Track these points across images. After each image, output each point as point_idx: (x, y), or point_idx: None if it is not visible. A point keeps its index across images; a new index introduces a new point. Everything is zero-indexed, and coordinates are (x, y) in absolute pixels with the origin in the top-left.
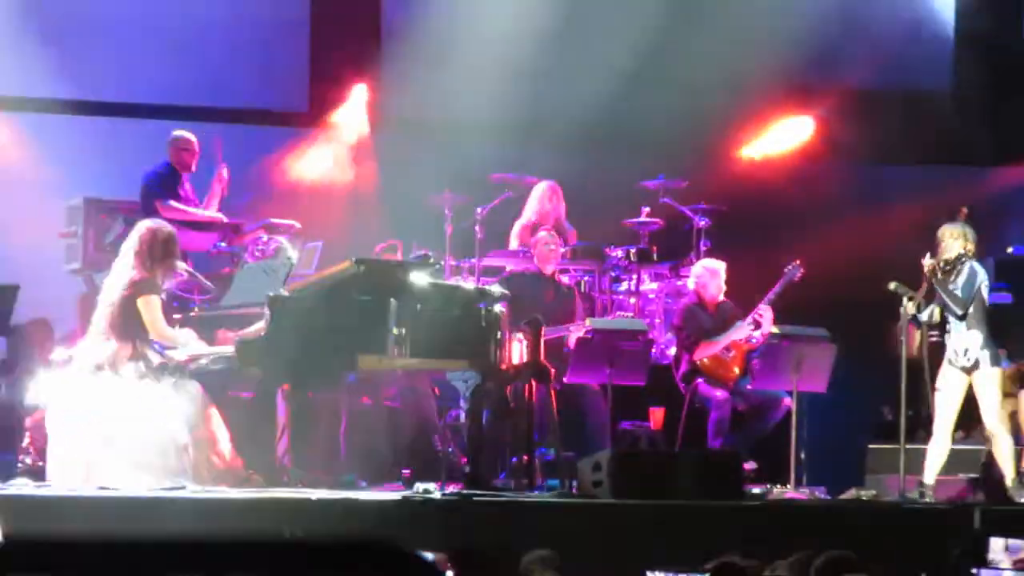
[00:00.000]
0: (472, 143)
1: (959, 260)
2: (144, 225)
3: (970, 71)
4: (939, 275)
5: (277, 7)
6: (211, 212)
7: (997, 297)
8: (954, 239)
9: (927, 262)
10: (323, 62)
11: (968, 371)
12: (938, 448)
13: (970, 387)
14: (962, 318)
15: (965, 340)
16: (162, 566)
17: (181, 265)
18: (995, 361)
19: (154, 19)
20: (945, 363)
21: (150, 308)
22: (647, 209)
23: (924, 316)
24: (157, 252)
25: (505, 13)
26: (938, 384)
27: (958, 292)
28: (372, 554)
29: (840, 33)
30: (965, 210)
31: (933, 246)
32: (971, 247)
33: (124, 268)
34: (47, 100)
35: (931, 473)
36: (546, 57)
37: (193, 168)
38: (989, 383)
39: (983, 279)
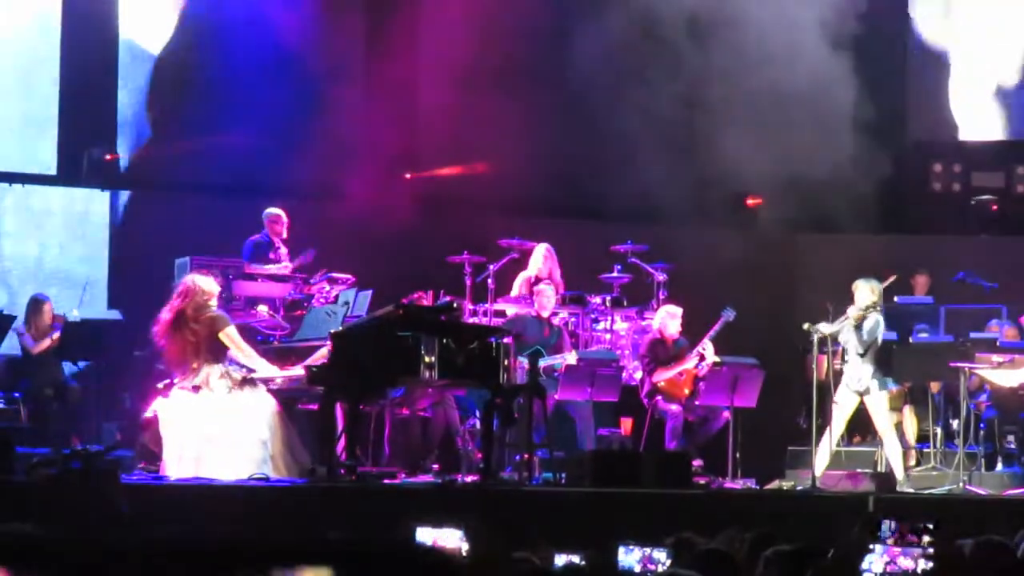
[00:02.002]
0: (484, 216)
1: (868, 309)
2: (184, 279)
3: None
4: (859, 320)
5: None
6: (282, 267)
7: (884, 335)
8: (869, 292)
9: (852, 310)
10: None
11: (861, 394)
12: (826, 448)
13: (862, 404)
14: (862, 355)
15: (860, 371)
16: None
17: (263, 308)
18: (882, 386)
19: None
20: (842, 386)
21: (231, 337)
22: (619, 266)
23: (828, 329)
24: (196, 304)
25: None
26: (836, 399)
27: (864, 336)
28: (393, 552)
29: None
30: (892, 277)
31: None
32: (878, 300)
33: (188, 315)
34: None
35: (820, 467)
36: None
37: (284, 235)
38: (879, 403)
39: (882, 326)
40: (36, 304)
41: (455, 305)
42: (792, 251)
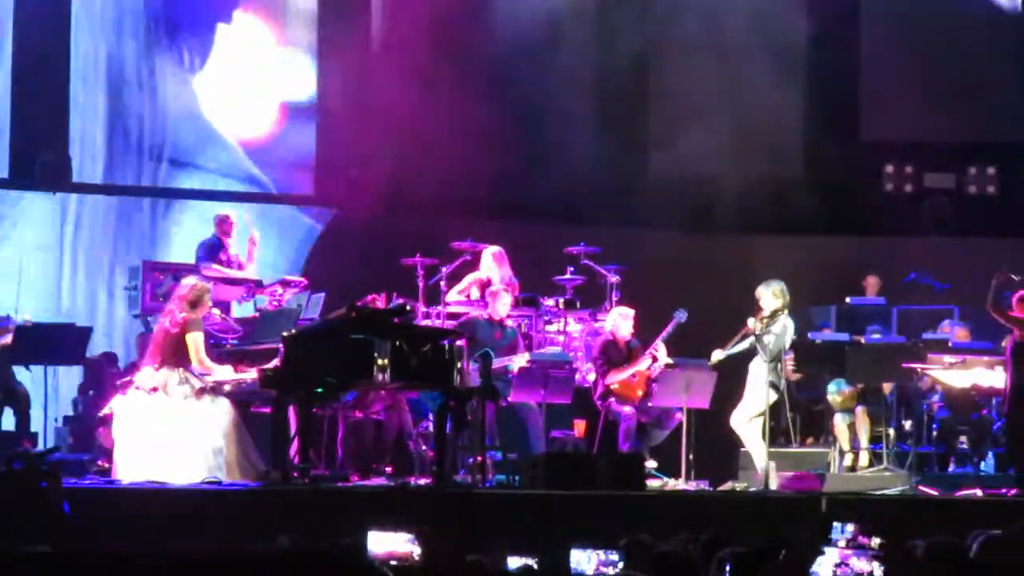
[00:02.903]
0: (436, 219)
1: (775, 314)
2: (188, 280)
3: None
4: (759, 329)
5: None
6: (243, 273)
7: (835, 336)
8: (772, 296)
9: (751, 322)
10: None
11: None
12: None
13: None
14: (769, 363)
15: (758, 367)
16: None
17: (216, 311)
18: (773, 388)
19: None
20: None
21: (194, 342)
22: (571, 268)
23: (724, 355)
24: (195, 299)
25: None
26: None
27: (769, 345)
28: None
29: None
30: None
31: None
32: (785, 303)
33: (174, 312)
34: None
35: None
36: (493, 149)
37: (232, 236)
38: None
39: (791, 331)
40: None
41: (408, 308)
42: (746, 252)
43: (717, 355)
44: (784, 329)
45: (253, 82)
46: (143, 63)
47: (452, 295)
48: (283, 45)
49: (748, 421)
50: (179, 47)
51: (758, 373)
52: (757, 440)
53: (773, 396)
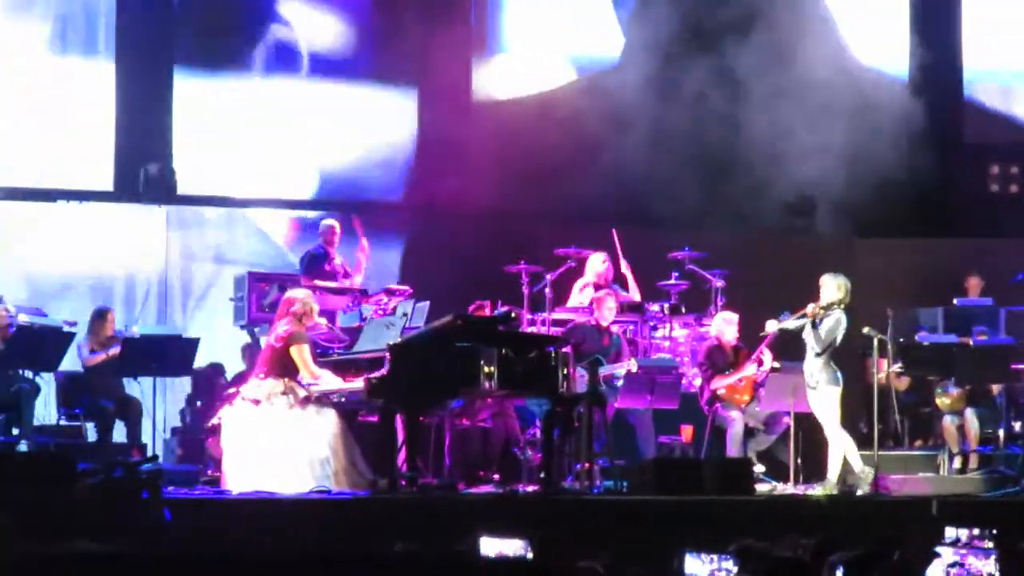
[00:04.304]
0: (540, 226)
1: (832, 306)
2: (293, 292)
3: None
4: (816, 318)
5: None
6: (348, 282)
7: (943, 337)
8: (835, 289)
9: (811, 307)
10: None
11: (813, 390)
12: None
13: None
14: (819, 354)
15: (812, 367)
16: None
17: (322, 321)
18: (831, 382)
19: None
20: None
21: (302, 353)
22: (676, 273)
23: (777, 326)
24: (301, 312)
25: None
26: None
27: (822, 334)
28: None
29: None
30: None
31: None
32: (844, 298)
33: (279, 324)
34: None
35: (836, 468)
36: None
37: (337, 245)
38: (825, 400)
39: (843, 325)
40: (99, 315)
41: (513, 315)
42: (849, 256)
43: (771, 325)
44: (837, 323)
45: None
46: None
47: (574, 299)
48: None
49: (836, 425)
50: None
51: (812, 372)
52: (850, 442)
53: (838, 389)
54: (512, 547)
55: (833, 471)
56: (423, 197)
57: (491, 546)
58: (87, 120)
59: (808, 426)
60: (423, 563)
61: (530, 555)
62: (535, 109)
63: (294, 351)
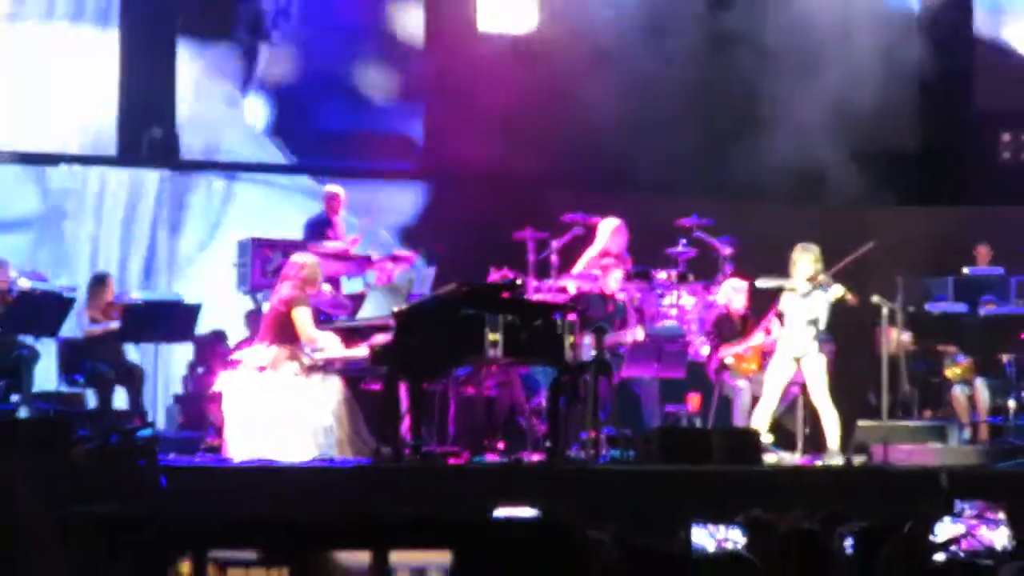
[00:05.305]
0: (546, 192)
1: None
2: (297, 257)
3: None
4: (803, 291)
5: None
6: (346, 245)
7: (953, 307)
8: (810, 262)
9: (800, 282)
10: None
11: (798, 359)
12: (764, 420)
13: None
14: (812, 321)
15: (802, 335)
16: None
17: (326, 287)
18: (820, 349)
19: None
20: (778, 353)
21: (300, 317)
22: (684, 241)
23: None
24: (306, 277)
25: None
26: (772, 369)
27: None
28: (543, 532)
29: None
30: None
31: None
32: (821, 269)
33: (283, 287)
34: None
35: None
36: (603, 118)
37: (340, 213)
38: (816, 367)
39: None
40: (99, 280)
41: (518, 282)
42: (859, 224)
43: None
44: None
45: None
46: None
47: (580, 265)
48: None
49: (826, 393)
50: None
51: (802, 343)
52: (831, 410)
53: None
54: (526, 515)
55: (833, 440)
56: (432, 161)
57: (506, 514)
58: (90, 86)
59: None
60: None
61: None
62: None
63: (295, 314)
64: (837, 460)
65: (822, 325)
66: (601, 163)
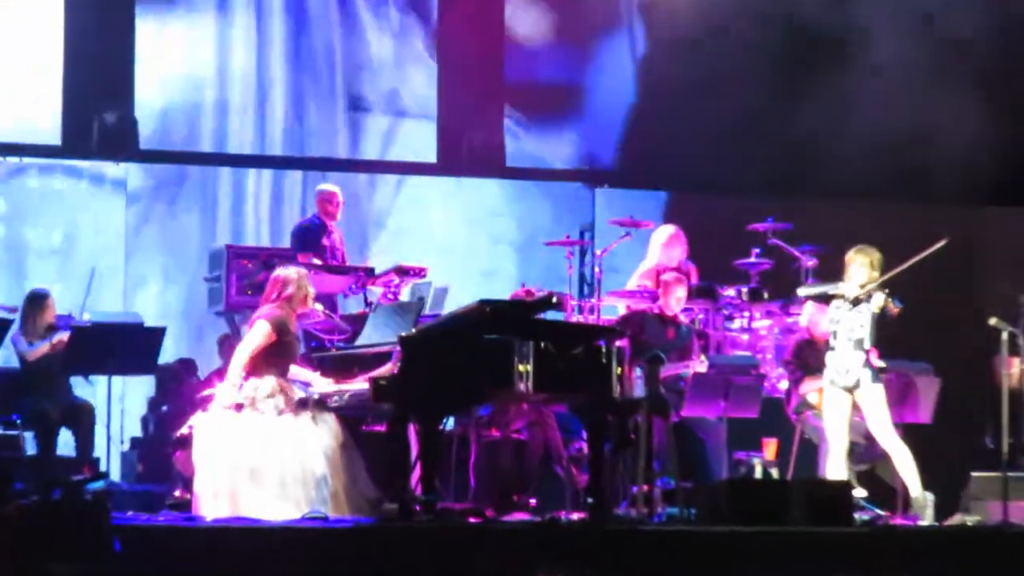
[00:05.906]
0: (588, 191)
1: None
2: (280, 271)
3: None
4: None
5: None
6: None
7: None
8: (867, 267)
9: (849, 288)
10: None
11: (850, 390)
12: (840, 468)
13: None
14: (858, 341)
15: (848, 360)
16: None
17: (318, 307)
18: (875, 379)
19: None
20: (827, 383)
21: (248, 336)
22: (757, 250)
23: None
24: (289, 295)
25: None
26: (824, 402)
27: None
28: None
29: None
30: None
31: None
32: (879, 276)
33: (264, 309)
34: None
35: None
36: (655, 109)
37: (338, 218)
38: (875, 399)
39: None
40: (36, 300)
41: (555, 300)
42: (972, 225)
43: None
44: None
45: None
46: None
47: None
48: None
49: (892, 430)
50: None
51: (848, 368)
52: (902, 446)
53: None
54: None
55: (915, 487)
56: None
57: None
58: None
59: (920, 439)
60: None
61: None
62: None
63: (250, 330)
64: (927, 511)
65: (867, 344)
66: (655, 158)
